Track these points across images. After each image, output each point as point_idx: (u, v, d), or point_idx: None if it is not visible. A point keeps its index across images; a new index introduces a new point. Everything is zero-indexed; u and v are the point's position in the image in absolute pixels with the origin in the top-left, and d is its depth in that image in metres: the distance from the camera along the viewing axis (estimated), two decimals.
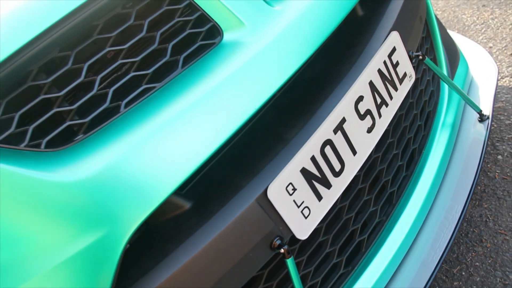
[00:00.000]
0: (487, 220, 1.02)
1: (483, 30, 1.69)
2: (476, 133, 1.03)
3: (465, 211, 0.85)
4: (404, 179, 0.91)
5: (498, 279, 0.90)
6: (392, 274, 0.80)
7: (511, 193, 1.05)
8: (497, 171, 1.12)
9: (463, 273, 0.94)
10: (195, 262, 0.60)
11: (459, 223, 0.84)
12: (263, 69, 0.67)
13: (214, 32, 0.71)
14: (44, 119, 0.59)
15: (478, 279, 0.92)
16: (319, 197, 0.69)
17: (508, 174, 1.10)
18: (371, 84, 0.78)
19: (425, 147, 0.97)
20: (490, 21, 1.73)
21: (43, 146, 0.58)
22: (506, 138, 1.19)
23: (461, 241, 0.99)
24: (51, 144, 0.59)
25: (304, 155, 0.67)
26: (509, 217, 1.00)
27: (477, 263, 0.94)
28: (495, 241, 0.96)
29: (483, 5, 1.87)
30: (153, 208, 0.56)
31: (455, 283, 0.93)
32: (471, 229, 1.01)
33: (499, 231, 0.98)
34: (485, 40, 1.61)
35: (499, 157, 1.15)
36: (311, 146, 0.68)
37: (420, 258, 0.82)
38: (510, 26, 1.65)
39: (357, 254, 0.81)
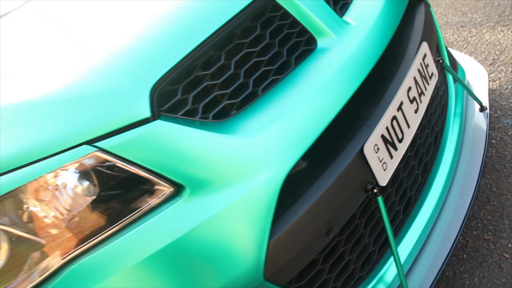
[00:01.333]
0: (491, 186, 1.32)
1: (464, 46, 2.05)
2: (479, 119, 1.34)
3: (481, 171, 1.15)
4: (434, 152, 1.20)
5: (506, 225, 1.19)
6: (436, 216, 1.08)
7: (506, 165, 1.36)
8: (493, 151, 1.44)
9: (479, 225, 1.23)
10: (317, 205, 0.85)
11: (479, 181, 1.14)
12: (350, 67, 0.95)
13: (310, 40, 0.99)
14: (208, 100, 0.84)
15: (491, 227, 1.21)
16: (391, 156, 0.97)
17: (502, 152, 1.42)
18: (414, 79, 1.07)
19: (444, 129, 1.27)
20: (469, 38, 2.09)
21: (210, 118, 0.83)
22: (497, 127, 1.52)
23: (473, 203, 1.29)
24: (214, 117, 0.84)
25: (382, 125, 0.94)
26: (507, 183, 1.31)
27: (489, 217, 1.24)
28: (500, 200, 1.27)
29: (461, 26, 2.24)
30: (297, 158, 0.82)
31: (474, 232, 1.22)
32: (480, 194, 1.31)
33: (502, 193, 1.29)
34: (467, 54, 1.96)
35: (493, 141, 1.47)
36: (385, 120, 0.95)
37: (453, 205, 1.10)
38: (487, 42, 2.01)
39: (409, 204, 1.09)
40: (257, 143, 0.81)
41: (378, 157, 0.93)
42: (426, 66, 1.14)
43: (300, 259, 0.83)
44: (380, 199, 0.91)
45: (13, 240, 0.74)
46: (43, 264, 0.75)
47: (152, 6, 0.94)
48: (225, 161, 0.78)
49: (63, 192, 0.75)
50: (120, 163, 0.74)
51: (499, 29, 2.10)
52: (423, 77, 1.11)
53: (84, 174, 0.74)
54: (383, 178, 0.94)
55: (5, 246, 0.75)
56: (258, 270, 0.78)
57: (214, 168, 0.77)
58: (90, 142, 0.73)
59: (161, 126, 0.76)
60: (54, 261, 0.75)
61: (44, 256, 0.75)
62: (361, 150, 0.90)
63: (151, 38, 0.84)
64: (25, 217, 0.74)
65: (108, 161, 0.73)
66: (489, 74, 1.78)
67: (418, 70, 1.10)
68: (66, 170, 0.74)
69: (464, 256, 1.18)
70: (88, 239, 0.75)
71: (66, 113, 0.76)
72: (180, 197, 0.76)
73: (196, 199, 0.76)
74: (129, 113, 0.75)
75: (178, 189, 0.76)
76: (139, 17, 0.93)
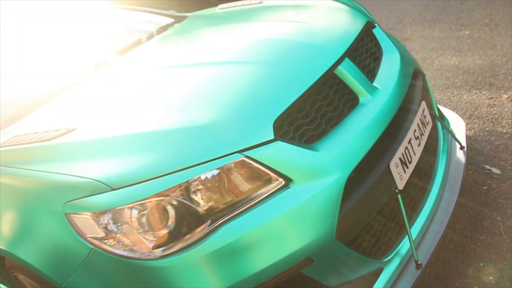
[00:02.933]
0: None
1: (448, 103, 2.68)
2: (460, 155, 1.93)
3: (461, 187, 1.72)
4: (430, 172, 1.77)
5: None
6: (434, 210, 1.63)
7: (479, 187, 1.95)
8: (469, 178, 2.02)
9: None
10: (364, 196, 1.40)
11: (460, 192, 1.71)
12: (381, 116, 1.53)
13: (355, 98, 1.57)
14: (301, 131, 1.41)
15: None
16: (405, 171, 1.53)
17: (476, 179, 2.01)
18: (418, 124, 1.66)
19: (436, 159, 1.85)
20: (452, 97, 2.73)
21: (302, 142, 1.39)
22: (472, 162, 2.11)
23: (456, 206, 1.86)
24: (304, 142, 1.40)
25: (399, 152, 1.52)
26: (480, 198, 1.89)
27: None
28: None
29: (446, 88, 2.88)
30: (353, 168, 1.38)
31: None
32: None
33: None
34: (451, 109, 2.59)
35: (470, 172, 2.06)
36: (401, 148, 1.53)
37: (445, 204, 1.66)
38: (465, 101, 2.65)
39: (418, 200, 1.64)
40: (331, 156, 1.36)
41: (398, 171, 1.50)
42: (424, 117, 1.74)
43: (355, 228, 1.38)
44: (399, 196, 1.47)
45: (181, 211, 1.26)
46: (202, 226, 1.27)
47: (257, 71, 1.52)
48: (313, 166, 1.33)
49: (220, 181, 1.29)
50: (257, 165, 1.29)
51: (474, 91, 2.75)
52: (423, 123, 1.71)
53: (233, 170, 1.29)
54: (400, 184, 1.50)
55: (172, 214, 1.27)
56: (332, 233, 1.31)
57: (307, 170, 1.33)
58: (239, 151, 1.28)
59: (279, 145, 1.32)
60: (209, 224, 1.27)
61: (204, 220, 1.26)
62: (388, 166, 1.47)
63: (268, 89, 1.42)
64: (194, 196, 1.27)
65: (250, 164, 1.28)
66: (466, 125, 2.40)
67: (420, 119, 1.69)
68: (223, 167, 1.28)
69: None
70: (233, 210, 1.28)
71: (223, 132, 1.32)
72: (288, 187, 1.31)
73: (297, 188, 1.31)
74: (261, 135, 1.31)
75: (287, 182, 1.31)
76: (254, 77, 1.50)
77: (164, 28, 2.53)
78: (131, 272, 1.26)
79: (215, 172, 1.27)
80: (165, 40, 2.25)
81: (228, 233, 1.24)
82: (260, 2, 2.34)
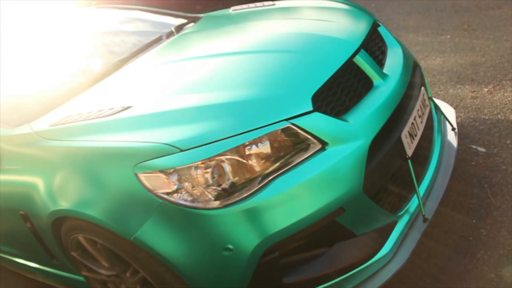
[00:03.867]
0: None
1: (436, 96, 3.02)
2: (451, 135, 2.25)
3: (455, 160, 2.03)
4: (431, 144, 2.08)
5: None
6: (436, 172, 1.93)
7: (460, 160, 2.27)
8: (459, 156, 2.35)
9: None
10: (382, 158, 1.69)
11: (454, 162, 2.02)
12: (392, 97, 1.82)
13: (370, 81, 1.86)
14: (331, 106, 1.69)
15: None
16: (412, 141, 1.83)
17: (463, 156, 2.33)
18: (419, 105, 1.97)
19: (433, 136, 2.16)
20: (439, 92, 3.07)
21: (333, 114, 1.68)
22: (460, 142, 2.43)
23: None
24: (335, 114, 1.68)
25: (407, 126, 1.81)
26: (463, 169, 2.20)
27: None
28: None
29: (433, 83, 3.23)
30: (376, 133, 1.67)
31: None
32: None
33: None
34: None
35: (459, 151, 2.38)
36: (409, 123, 1.82)
37: (442, 172, 1.97)
38: (451, 94, 2.99)
39: (424, 169, 1.95)
40: (357, 126, 1.64)
41: (407, 141, 1.80)
42: (424, 100, 2.05)
43: (376, 185, 1.67)
44: (409, 161, 1.77)
45: (238, 168, 1.52)
46: (255, 181, 1.53)
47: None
48: (344, 133, 1.61)
49: (269, 144, 1.56)
50: (299, 131, 1.56)
51: (458, 86, 3.10)
52: (423, 105, 2.01)
53: (280, 135, 1.56)
54: (409, 151, 1.80)
55: (230, 171, 1.53)
56: (360, 187, 1.58)
57: (339, 136, 1.60)
58: (286, 120, 1.55)
59: (317, 115, 1.59)
60: (260, 180, 1.54)
61: (257, 176, 1.53)
62: (399, 136, 1.76)
63: (303, 71, 1.70)
64: (248, 156, 1.54)
65: (294, 130, 1.56)
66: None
67: (421, 101, 2.00)
68: (273, 132, 1.55)
69: None
70: (280, 168, 1.55)
71: (272, 104, 1.59)
72: (324, 150, 1.58)
73: (331, 150, 1.58)
74: (302, 107, 1.59)
75: (323, 145, 1.59)
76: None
77: (181, 27, 2.79)
78: (195, 220, 1.51)
79: (266, 136, 1.53)
80: (191, 35, 2.52)
81: (277, 187, 1.51)
82: (273, 4, 2.63)
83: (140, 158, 1.53)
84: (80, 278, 2.25)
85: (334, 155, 1.56)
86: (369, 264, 1.65)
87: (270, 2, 2.64)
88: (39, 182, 1.90)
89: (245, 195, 1.49)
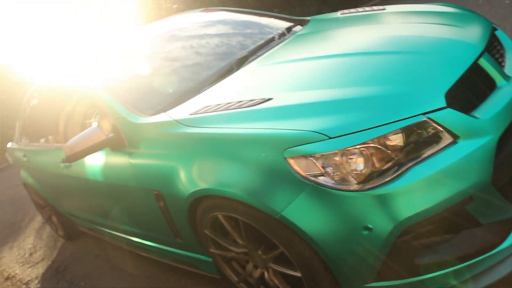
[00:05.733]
0: None
1: None
2: None
3: None
4: None
5: None
6: None
7: None
8: None
9: None
10: (508, 156, 1.80)
11: None
12: None
13: (493, 82, 1.97)
14: (458, 104, 1.82)
15: None
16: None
17: None
18: None
19: None
20: None
21: (459, 109, 1.80)
22: None
23: None
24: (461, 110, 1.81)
25: None
26: None
27: None
28: None
29: None
30: (504, 129, 1.78)
31: None
32: None
33: None
34: None
35: None
36: None
37: None
38: None
39: None
40: (486, 121, 1.74)
41: None
42: None
43: (504, 176, 1.78)
44: None
45: (379, 156, 1.69)
46: (394, 168, 1.68)
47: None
48: (474, 128, 1.73)
49: (407, 136, 1.70)
50: (435, 125, 1.70)
51: None
52: None
53: (417, 128, 1.70)
54: None
55: (372, 158, 1.69)
56: (488, 178, 1.70)
57: (470, 130, 1.72)
58: (423, 114, 1.70)
59: (449, 111, 1.73)
60: (398, 168, 1.68)
61: (395, 164, 1.68)
62: None
63: (436, 70, 1.84)
64: (388, 146, 1.69)
65: (430, 124, 1.70)
66: None
67: None
68: (410, 125, 1.69)
69: None
70: (416, 158, 1.69)
71: (409, 99, 1.74)
72: (456, 143, 1.71)
73: (463, 144, 1.70)
74: (437, 103, 1.73)
75: (455, 139, 1.72)
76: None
77: (290, 29, 2.99)
78: (338, 200, 1.68)
79: (404, 128, 1.68)
80: (307, 36, 2.71)
81: (413, 175, 1.65)
82: (383, 9, 2.77)
83: (289, 143, 1.72)
84: (200, 256, 2.48)
85: (465, 148, 1.69)
86: (492, 254, 1.75)
87: (380, 7, 2.78)
88: (179, 165, 2.13)
89: (384, 180, 1.65)
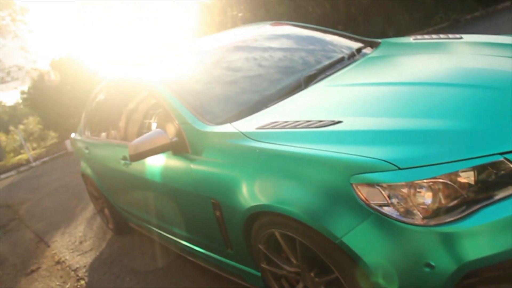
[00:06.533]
0: None
1: None
2: None
3: None
4: None
5: None
6: None
7: None
8: None
9: None
10: None
11: None
12: None
13: None
14: None
15: None
16: None
17: None
18: None
19: None
20: None
21: None
22: None
23: None
24: None
25: None
26: None
27: None
28: None
29: None
30: None
31: None
32: None
33: None
34: None
35: None
36: None
37: None
38: None
39: None
40: None
41: None
42: None
43: None
44: None
45: (448, 193, 1.63)
46: (463, 207, 1.62)
47: None
48: None
49: (479, 175, 1.64)
50: (511, 166, 1.63)
51: None
52: None
53: (491, 168, 1.63)
54: None
55: (440, 194, 1.63)
56: None
57: None
58: (499, 154, 1.63)
59: None
60: (467, 207, 1.62)
61: (464, 203, 1.62)
62: None
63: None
64: (458, 183, 1.63)
65: (506, 164, 1.63)
66: None
67: None
68: (484, 164, 1.63)
69: None
70: (487, 199, 1.62)
71: (485, 137, 1.67)
72: None
73: None
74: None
75: None
76: None
77: (360, 50, 2.96)
78: (402, 233, 1.64)
79: (479, 167, 1.62)
80: (378, 60, 2.67)
81: (483, 217, 1.58)
82: (460, 38, 2.69)
83: (357, 169, 1.70)
84: (248, 269, 2.48)
85: None
86: None
87: (457, 35, 2.71)
88: (241, 177, 2.15)
89: (451, 218, 1.60)
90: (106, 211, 4.58)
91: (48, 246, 5.11)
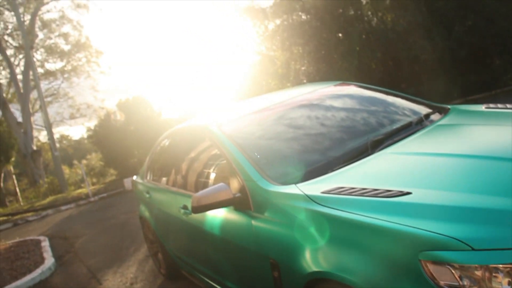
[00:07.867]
0: None
1: None
2: None
3: None
4: None
5: None
6: None
7: None
8: None
9: None
10: None
11: None
12: None
13: None
14: None
15: None
16: None
17: None
18: None
19: None
20: None
21: None
22: None
23: None
24: None
25: None
26: None
27: None
28: None
29: None
30: None
31: None
32: None
33: None
34: None
35: None
36: None
37: None
38: None
39: None
40: None
41: None
42: None
43: None
44: None
45: None
46: None
47: None
48: None
49: None
50: None
51: None
52: None
53: None
54: None
55: (507, 281, 1.53)
56: None
57: None
58: None
59: None
60: None
61: None
62: None
63: None
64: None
65: None
66: None
67: None
68: None
69: None
70: None
71: None
72: None
73: None
74: None
75: None
76: None
77: (428, 116, 2.91)
78: None
79: None
80: (449, 129, 2.62)
81: None
82: None
83: (427, 246, 1.64)
84: None
85: None
86: None
87: None
88: (303, 240, 2.12)
89: None
90: (160, 255, 4.63)
91: (100, 284, 5.20)
